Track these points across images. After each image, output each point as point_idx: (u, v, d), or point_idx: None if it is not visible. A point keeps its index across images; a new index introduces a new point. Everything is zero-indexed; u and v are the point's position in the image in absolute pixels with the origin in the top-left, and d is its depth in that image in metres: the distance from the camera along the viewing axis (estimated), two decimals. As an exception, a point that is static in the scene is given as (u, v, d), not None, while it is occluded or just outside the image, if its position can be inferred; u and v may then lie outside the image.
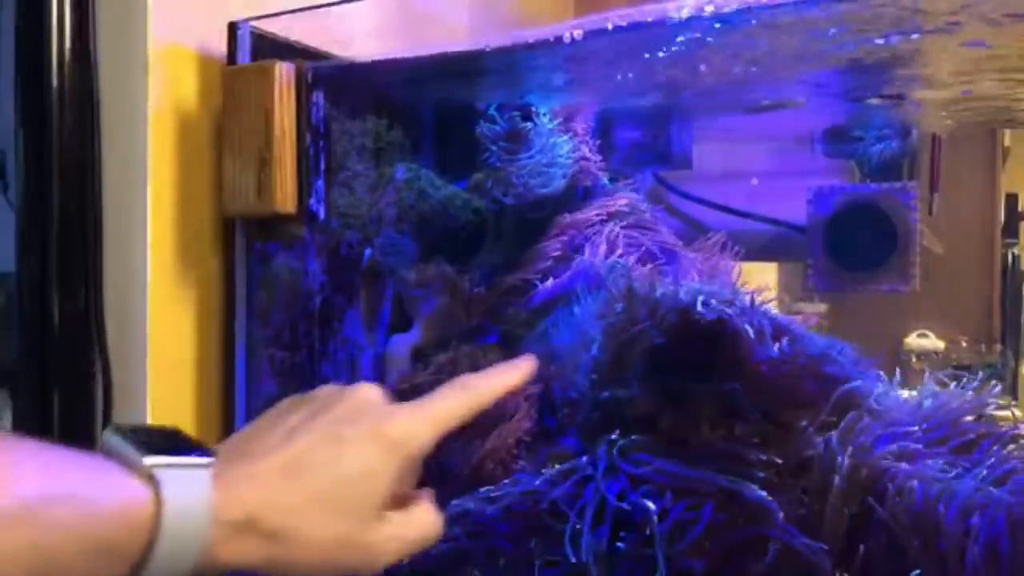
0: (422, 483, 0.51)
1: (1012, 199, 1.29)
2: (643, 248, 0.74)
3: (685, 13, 0.58)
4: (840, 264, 0.92)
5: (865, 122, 0.91)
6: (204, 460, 0.40)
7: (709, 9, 0.57)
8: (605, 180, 0.81)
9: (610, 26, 0.61)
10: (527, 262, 0.73)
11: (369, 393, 0.48)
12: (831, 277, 0.93)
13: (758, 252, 0.92)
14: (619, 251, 0.72)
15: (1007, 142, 1.22)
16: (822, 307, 1.03)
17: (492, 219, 0.77)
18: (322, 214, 0.72)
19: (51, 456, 0.37)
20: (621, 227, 0.75)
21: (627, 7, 0.61)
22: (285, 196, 0.69)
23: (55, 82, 0.68)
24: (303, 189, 0.70)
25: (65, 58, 0.68)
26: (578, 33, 0.62)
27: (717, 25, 0.59)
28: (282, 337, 0.73)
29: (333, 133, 0.73)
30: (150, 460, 0.38)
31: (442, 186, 0.78)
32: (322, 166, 0.72)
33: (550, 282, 0.70)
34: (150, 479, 0.38)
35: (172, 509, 0.38)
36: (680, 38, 0.62)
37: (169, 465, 0.39)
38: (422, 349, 0.74)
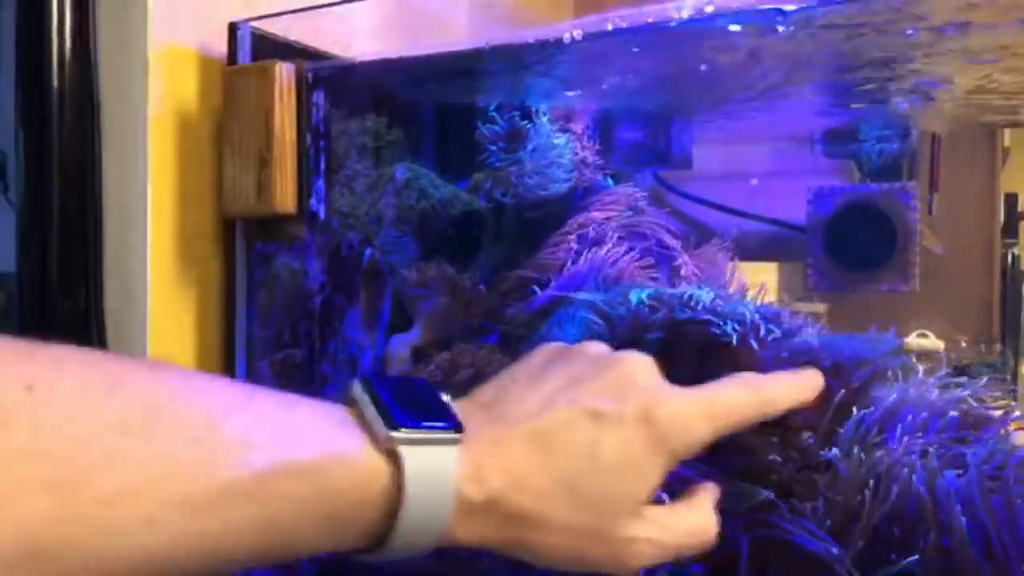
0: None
1: (1012, 199, 1.29)
2: (644, 249, 0.74)
3: (685, 13, 0.58)
4: (840, 264, 0.92)
5: (865, 122, 0.91)
6: (451, 435, 0.37)
7: (709, 9, 0.57)
8: (605, 180, 0.81)
9: (610, 26, 0.61)
10: (527, 262, 0.73)
11: (642, 367, 0.42)
12: (831, 277, 0.93)
13: (758, 252, 0.92)
14: (620, 253, 0.72)
15: (1007, 142, 1.22)
16: (822, 307, 1.03)
17: (492, 219, 0.77)
18: (322, 214, 0.72)
19: (290, 419, 0.34)
20: (621, 228, 0.75)
21: (627, 7, 0.61)
22: (285, 196, 0.69)
23: (55, 82, 0.68)
24: (303, 189, 0.70)
25: (65, 58, 0.68)
26: (578, 33, 0.62)
27: (717, 25, 0.59)
28: (282, 337, 0.73)
29: (333, 133, 0.73)
30: (396, 434, 0.35)
31: (442, 186, 0.78)
32: (322, 166, 0.72)
33: (552, 284, 0.70)
34: (392, 454, 0.35)
35: (414, 489, 0.35)
36: (680, 38, 0.62)
37: (414, 441, 0.35)
38: (422, 349, 0.74)
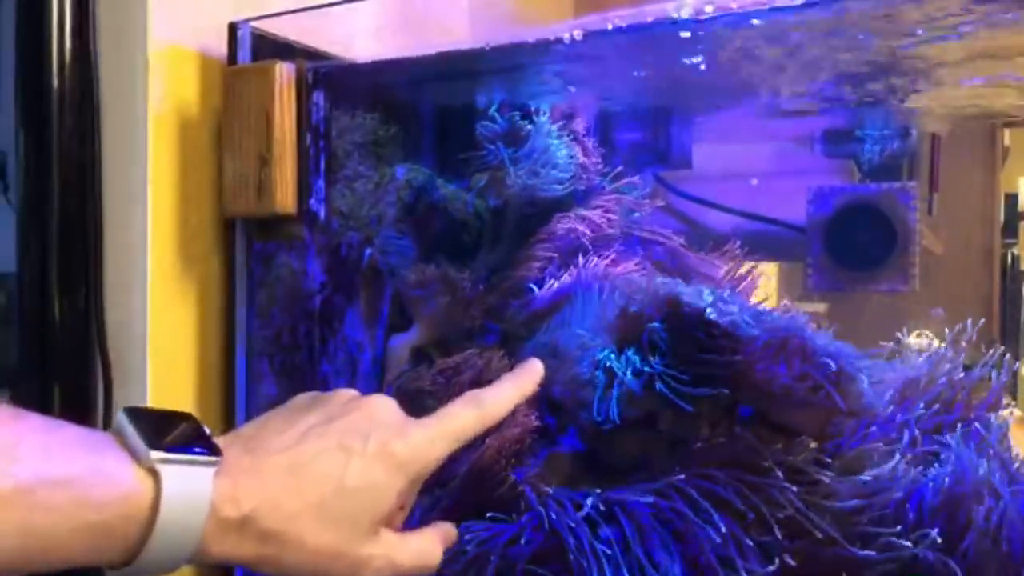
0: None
1: (1012, 199, 1.29)
2: (644, 249, 0.74)
3: (685, 13, 0.58)
4: (840, 264, 0.92)
5: (865, 122, 0.91)
6: (209, 458, 0.41)
7: (709, 9, 0.57)
8: (605, 180, 0.80)
9: (610, 26, 0.61)
10: (526, 262, 0.73)
11: (384, 407, 0.49)
12: (831, 277, 0.93)
13: (758, 252, 0.92)
14: (621, 255, 0.72)
15: (1007, 142, 1.22)
16: (822, 307, 1.03)
17: (492, 219, 0.77)
18: (322, 214, 0.72)
19: (54, 436, 0.38)
20: (622, 228, 0.75)
21: (627, 7, 0.61)
22: (285, 196, 0.69)
23: (55, 82, 0.68)
24: (303, 189, 0.70)
25: (65, 58, 0.68)
26: (578, 33, 0.62)
27: (717, 25, 0.59)
28: (282, 337, 0.73)
29: (333, 133, 0.73)
30: (155, 454, 0.39)
31: (442, 186, 0.78)
32: (322, 166, 0.72)
33: (554, 285, 0.70)
34: (152, 472, 0.38)
35: (170, 504, 0.38)
36: (680, 38, 0.62)
37: (172, 461, 0.39)
38: (422, 349, 0.74)
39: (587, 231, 0.73)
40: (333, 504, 0.44)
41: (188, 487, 0.39)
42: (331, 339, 0.74)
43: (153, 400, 0.70)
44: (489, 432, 0.55)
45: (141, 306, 0.70)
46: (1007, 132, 1.19)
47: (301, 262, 0.73)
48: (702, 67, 0.70)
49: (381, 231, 0.77)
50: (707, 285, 0.64)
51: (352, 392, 0.51)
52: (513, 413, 0.56)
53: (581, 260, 0.71)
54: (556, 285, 0.70)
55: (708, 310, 0.52)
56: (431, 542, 0.50)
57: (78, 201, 0.69)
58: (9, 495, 0.34)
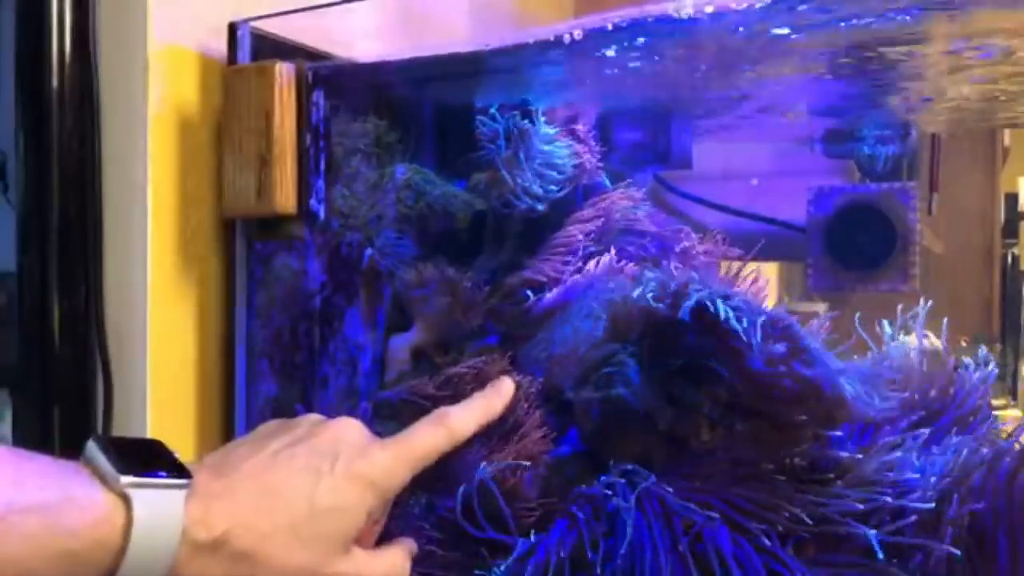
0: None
1: (1012, 199, 1.29)
2: (644, 250, 0.74)
3: (685, 13, 0.58)
4: (840, 264, 0.92)
5: (865, 122, 0.91)
6: (179, 481, 0.41)
7: (709, 9, 0.57)
8: (605, 180, 0.81)
9: (610, 26, 0.61)
10: (527, 264, 0.73)
11: (350, 429, 0.50)
12: (831, 277, 0.93)
13: (758, 252, 0.92)
14: (621, 255, 0.72)
15: (1007, 142, 1.22)
16: (821, 307, 1.03)
17: (492, 219, 0.77)
18: (322, 214, 0.72)
19: (23, 465, 0.38)
20: (622, 229, 0.75)
21: (627, 7, 0.61)
22: (285, 196, 0.69)
23: (55, 82, 0.68)
24: (303, 189, 0.70)
25: (65, 58, 0.68)
26: (578, 33, 0.62)
27: (718, 25, 0.59)
28: (282, 337, 0.73)
29: (333, 133, 0.73)
30: (125, 479, 0.39)
31: (442, 186, 0.78)
32: (322, 166, 0.72)
33: (558, 286, 0.70)
34: (123, 497, 0.39)
35: (141, 528, 0.38)
36: (680, 38, 0.62)
37: (143, 485, 0.39)
38: (422, 349, 0.74)
39: (589, 231, 0.73)
40: (305, 524, 0.44)
41: (159, 510, 0.39)
42: (331, 339, 0.74)
43: (153, 400, 0.70)
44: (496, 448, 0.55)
45: (141, 306, 0.70)
46: (1007, 132, 1.19)
47: (301, 262, 0.73)
48: (702, 67, 0.70)
49: (381, 231, 0.77)
50: (708, 283, 0.64)
51: (318, 416, 0.52)
52: (529, 434, 0.57)
53: (582, 261, 0.71)
54: (560, 286, 0.70)
55: (723, 312, 0.52)
56: (401, 557, 0.51)
57: (78, 201, 0.69)
58: None
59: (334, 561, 0.46)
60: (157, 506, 0.39)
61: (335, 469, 0.46)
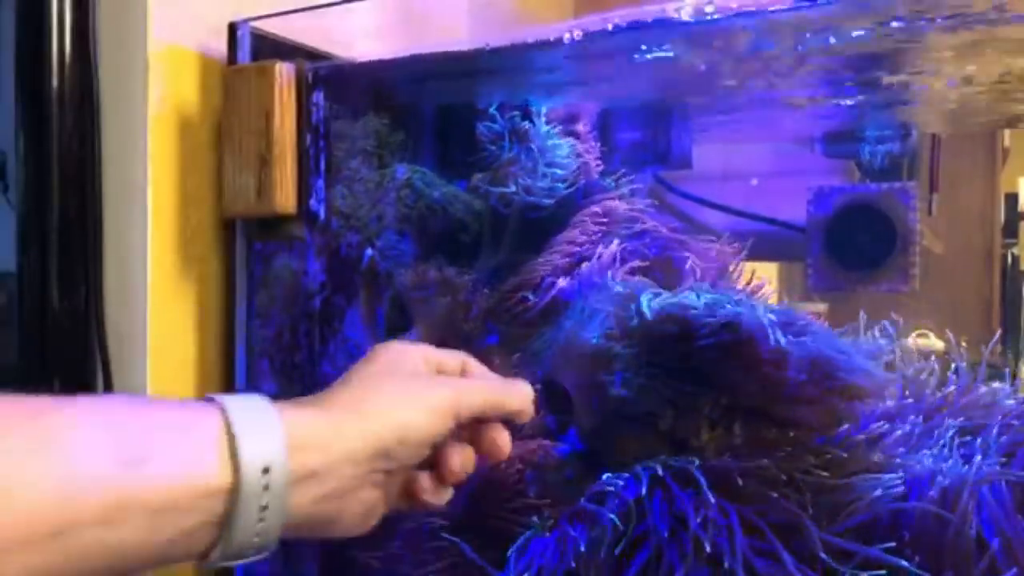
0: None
1: (1012, 199, 1.29)
2: (644, 250, 0.74)
3: (685, 13, 0.58)
4: (840, 264, 0.92)
5: (865, 122, 0.91)
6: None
7: (709, 9, 0.57)
8: (605, 180, 0.80)
9: (610, 26, 0.61)
10: (529, 266, 0.72)
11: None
12: (831, 277, 0.92)
13: (758, 252, 0.92)
14: (621, 255, 0.72)
15: (1007, 142, 1.22)
16: (822, 307, 1.03)
17: (492, 220, 0.77)
18: (322, 214, 0.72)
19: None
20: (623, 228, 0.75)
21: (627, 7, 0.61)
22: (285, 196, 0.69)
23: (55, 82, 0.68)
24: (303, 189, 0.70)
25: (65, 58, 0.68)
26: (578, 33, 0.62)
27: (718, 25, 0.59)
28: (282, 337, 0.73)
29: (333, 133, 0.73)
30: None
31: (442, 186, 0.78)
32: (322, 166, 0.72)
33: (559, 285, 0.70)
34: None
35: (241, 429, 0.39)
36: (680, 38, 0.62)
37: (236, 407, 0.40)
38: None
39: (589, 231, 0.73)
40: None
41: (255, 416, 0.40)
42: (331, 339, 0.74)
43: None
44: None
45: (141, 306, 0.70)
46: (1007, 132, 1.19)
47: (301, 262, 0.73)
48: (702, 66, 0.70)
49: (381, 232, 0.77)
50: (710, 281, 0.64)
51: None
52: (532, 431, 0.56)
53: (583, 261, 0.71)
54: (560, 286, 0.70)
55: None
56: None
57: (78, 201, 0.69)
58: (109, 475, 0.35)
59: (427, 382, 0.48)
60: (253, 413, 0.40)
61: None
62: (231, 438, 0.38)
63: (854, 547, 0.49)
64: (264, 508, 0.39)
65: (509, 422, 0.53)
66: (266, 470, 0.39)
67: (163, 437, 0.37)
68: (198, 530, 0.38)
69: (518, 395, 0.52)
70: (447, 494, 0.51)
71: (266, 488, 0.39)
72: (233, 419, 0.39)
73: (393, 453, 0.45)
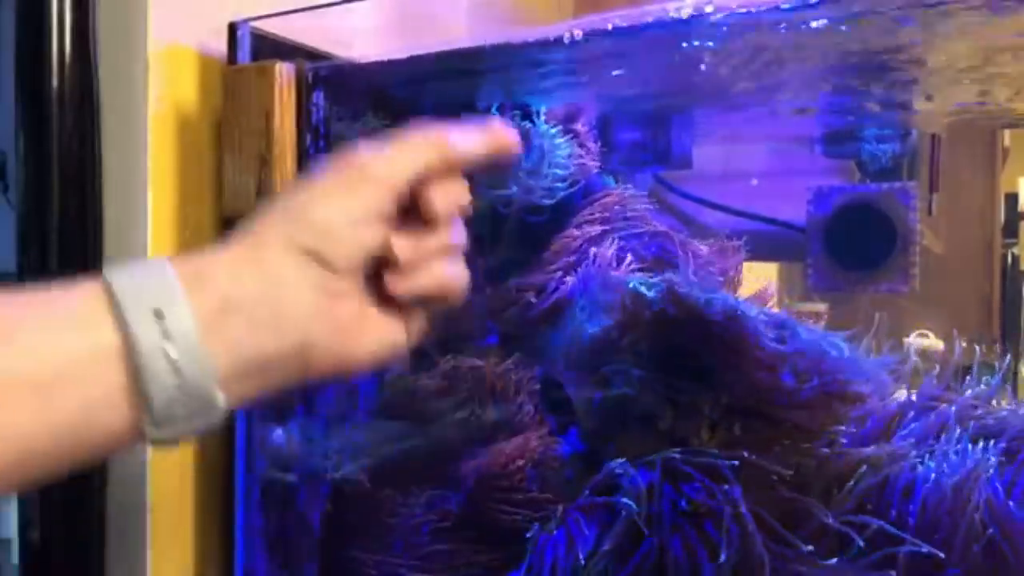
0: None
1: (1012, 199, 1.29)
2: (644, 250, 0.74)
3: (685, 13, 0.58)
4: (840, 264, 0.92)
5: (865, 123, 0.91)
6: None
7: (709, 9, 0.57)
8: (606, 180, 0.80)
9: (610, 26, 0.61)
10: (529, 266, 0.73)
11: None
12: (831, 277, 0.92)
13: (758, 252, 0.92)
14: (621, 255, 0.72)
15: (1007, 142, 1.22)
16: (821, 307, 1.03)
17: (492, 219, 0.77)
18: (322, 214, 0.72)
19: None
20: (623, 228, 0.75)
21: (627, 7, 0.61)
22: (285, 196, 0.69)
23: (55, 82, 0.68)
24: (303, 189, 0.70)
25: (65, 58, 0.68)
26: (578, 33, 0.62)
27: (717, 25, 0.59)
28: (282, 337, 0.73)
29: (333, 133, 0.73)
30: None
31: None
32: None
33: (553, 291, 0.70)
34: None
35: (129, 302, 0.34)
36: (680, 38, 0.62)
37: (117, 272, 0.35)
38: (422, 349, 0.74)
39: (589, 231, 0.73)
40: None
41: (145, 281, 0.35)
42: (331, 339, 0.74)
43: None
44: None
45: (141, 306, 0.70)
46: (1007, 132, 1.19)
47: (301, 262, 0.73)
48: (702, 66, 0.70)
49: (381, 231, 0.76)
50: (710, 280, 0.64)
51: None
52: (518, 419, 0.56)
53: (583, 260, 0.71)
54: (560, 286, 0.70)
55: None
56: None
57: (78, 201, 0.69)
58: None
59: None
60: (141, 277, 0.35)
61: None
62: (110, 295, 0.34)
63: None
64: (175, 360, 0.34)
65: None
66: (159, 314, 0.34)
67: (35, 310, 0.34)
68: (106, 401, 0.34)
69: (469, 136, 0.45)
70: (428, 270, 0.42)
71: (166, 335, 0.34)
72: (112, 277, 0.35)
73: (316, 246, 0.39)
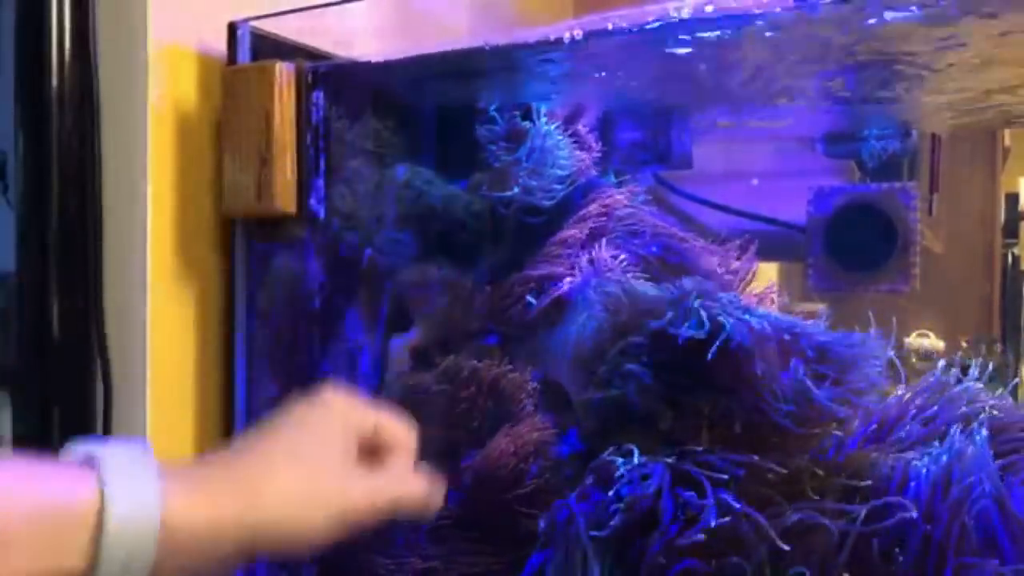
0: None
1: (1012, 199, 1.29)
2: (644, 249, 0.74)
3: (685, 13, 0.58)
4: (840, 264, 0.92)
5: (865, 122, 0.91)
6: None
7: (709, 9, 0.57)
8: (606, 180, 0.80)
9: (610, 26, 0.61)
10: (527, 264, 0.72)
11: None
12: (831, 277, 0.92)
13: (758, 252, 0.92)
14: (621, 255, 0.72)
15: (1007, 142, 1.22)
16: (821, 307, 1.03)
17: (492, 219, 0.77)
18: (322, 214, 0.72)
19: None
20: (623, 228, 0.75)
21: (627, 7, 0.61)
22: (285, 196, 0.69)
23: (55, 82, 0.68)
24: (303, 189, 0.70)
25: (65, 58, 0.68)
26: (578, 33, 0.62)
27: (718, 25, 0.59)
28: (282, 337, 0.73)
29: (333, 133, 0.73)
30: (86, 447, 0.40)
31: (442, 186, 0.78)
32: (322, 166, 0.72)
33: (553, 291, 0.70)
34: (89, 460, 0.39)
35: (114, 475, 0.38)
36: (680, 37, 0.62)
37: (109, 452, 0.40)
38: (422, 349, 0.74)
39: (589, 231, 0.73)
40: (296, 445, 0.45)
41: (132, 466, 0.39)
42: (331, 339, 0.74)
43: (153, 400, 0.70)
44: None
45: (141, 306, 0.70)
46: (1007, 132, 1.19)
47: (301, 262, 0.73)
48: (702, 66, 0.70)
49: (381, 231, 0.77)
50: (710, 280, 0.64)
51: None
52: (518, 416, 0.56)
53: (582, 260, 0.71)
54: (560, 286, 0.70)
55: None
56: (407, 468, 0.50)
57: (78, 201, 0.69)
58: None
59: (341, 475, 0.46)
60: (129, 465, 0.39)
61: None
62: (100, 534, 0.37)
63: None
64: None
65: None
66: (127, 563, 0.38)
67: (29, 527, 0.37)
68: None
69: (414, 496, 0.50)
70: None
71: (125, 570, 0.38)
72: (109, 510, 0.38)
73: (268, 547, 0.44)
